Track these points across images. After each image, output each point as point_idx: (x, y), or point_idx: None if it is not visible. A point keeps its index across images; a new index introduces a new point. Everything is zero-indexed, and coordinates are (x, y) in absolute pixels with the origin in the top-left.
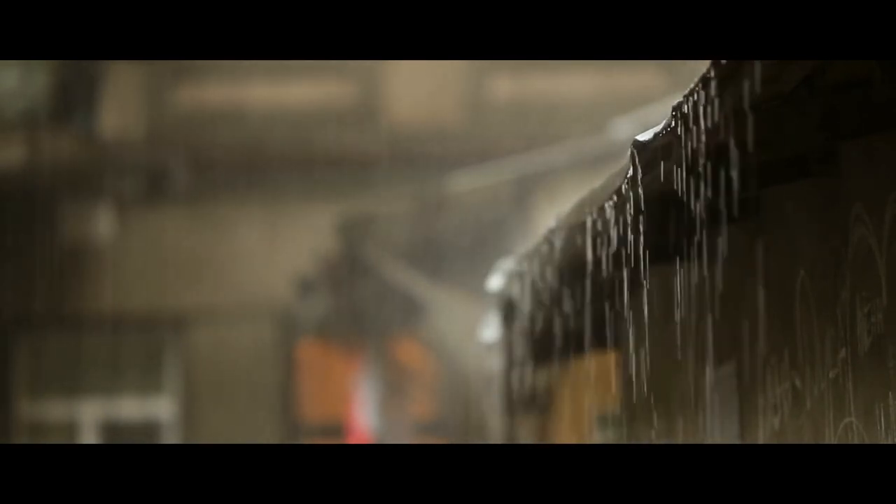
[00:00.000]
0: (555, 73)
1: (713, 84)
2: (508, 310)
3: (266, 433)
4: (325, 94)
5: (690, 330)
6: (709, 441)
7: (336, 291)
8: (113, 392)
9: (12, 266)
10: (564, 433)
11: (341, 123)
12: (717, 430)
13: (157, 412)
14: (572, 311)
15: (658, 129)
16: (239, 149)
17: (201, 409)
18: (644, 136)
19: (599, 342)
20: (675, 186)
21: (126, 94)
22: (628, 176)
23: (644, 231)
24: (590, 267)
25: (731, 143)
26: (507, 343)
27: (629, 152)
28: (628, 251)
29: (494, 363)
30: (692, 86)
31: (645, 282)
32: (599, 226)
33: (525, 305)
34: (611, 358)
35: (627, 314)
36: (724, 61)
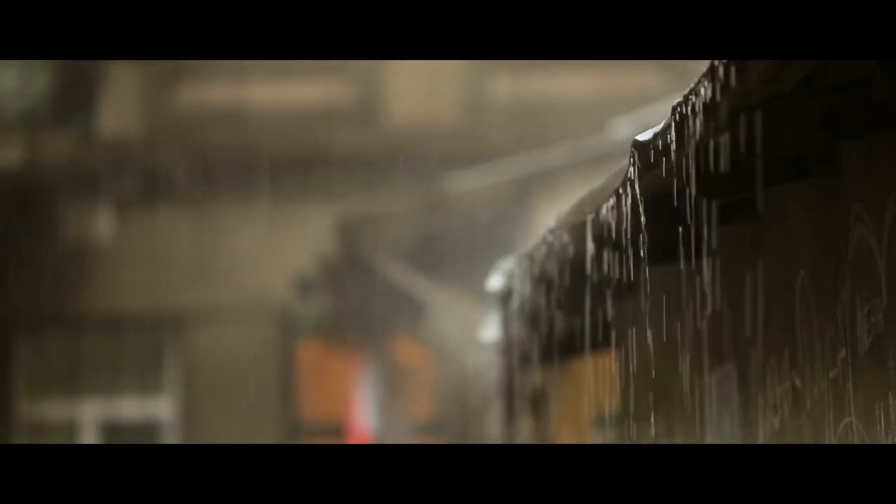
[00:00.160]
0: (555, 73)
1: (713, 84)
2: (508, 310)
3: (266, 433)
4: (325, 94)
5: (690, 330)
6: (709, 441)
7: (336, 291)
8: (113, 392)
9: (12, 266)
10: (564, 433)
11: (341, 123)
12: (717, 430)
13: (157, 412)
14: (572, 311)
15: (658, 129)
16: (239, 149)
17: (201, 409)
18: (644, 136)
19: (599, 342)
20: (675, 186)
21: (126, 94)
22: (628, 176)
23: (644, 231)
24: (589, 267)
25: (731, 143)
26: (507, 343)
27: (629, 152)
28: (628, 251)
29: (494, 363)
30: (692, 86)
31: (644, 282)
32: (599, 226)
33: (525, 305)
34: (610, 358)
35: (627, 314)
36: (724, 61)
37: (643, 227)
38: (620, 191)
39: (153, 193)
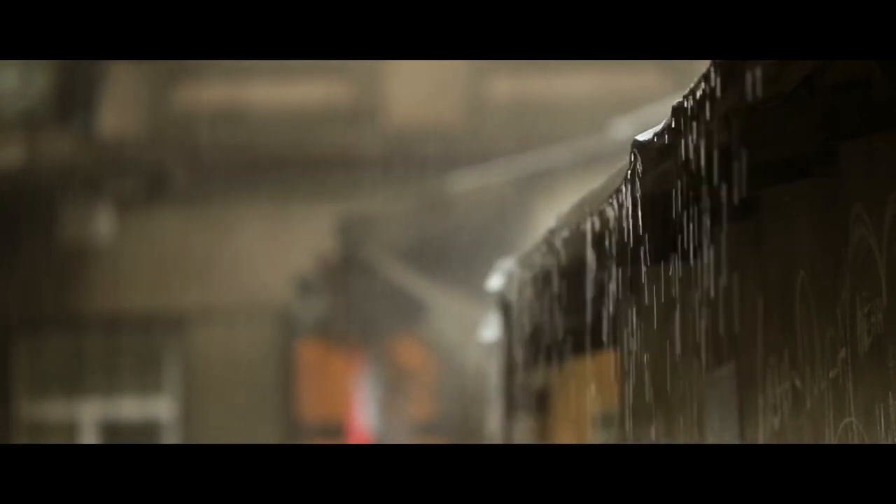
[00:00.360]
0: (555, 73)
1: (713, 84)
2: (508, 310)
3: (266, 433)
4: (325, 94)
5: (690, 330)
6: (709, 441)
7: (336, 291)
8: (113, 392)
9: (12, 266)
10: (564, 433)
11: (341, 123)
12: (717, 430)
13: (157, 412)
14: (572, 311)
15: (658, 129)
16: (239, 149)
17: (201, 409)
18: (644, 136)
19: (599, 342)
20: (675, 186)
21: (126, 94)
22: (628, 176)
23: (643, 231)
24: (589, 267)
25: (731, 143)
26: (507, 343)
27: (629, 152)
28: (628, 251)
29: (494, 363)
30: (692, 86)
31: (644, 282)
32: (599, 226)
33: (525, 305)
34: (610, 358)
35: (627, 314)
36: (724, 61)
37: (643, 226)
38: (620, 191)
39: (153, 193)
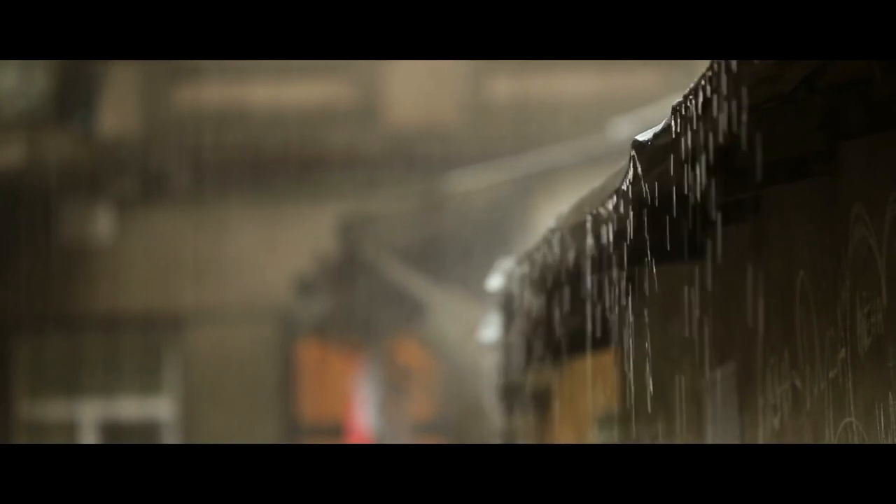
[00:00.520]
0: (555, 73)
1: (713, 84)
2: (508, 310)
3: (266, 433)
4: (325, 94)
5: (691, 330)
6: (709, 441)
7: (336, 291)
8: (113, 392)
9: (12, 266)
10: (564, 433)
11: (341, 123)
12: (717, 430)
13: (157, 412)
14: (572, 311)
15: (658, 129)
16: (239, 149)
17: (201, 409)
18: (644, 136)
19: (599, 342)
20: (675, 186)
21: (126, 94)
22: (628, 176)
23: (644, 231)
24: (589, 267)
25: (731, 143)
26: (507, 343)
27: (629, 152)
28: (628, 251)
29: (494, 363)
30: (692, 86)
31: (644, 281)
32: (599, 226)
33: (525, 305)
34: (611, 358)
35: (627, 314)
36: (723, 61)
37: (643, 226)
38: (620, 191)
39: (153, 193)
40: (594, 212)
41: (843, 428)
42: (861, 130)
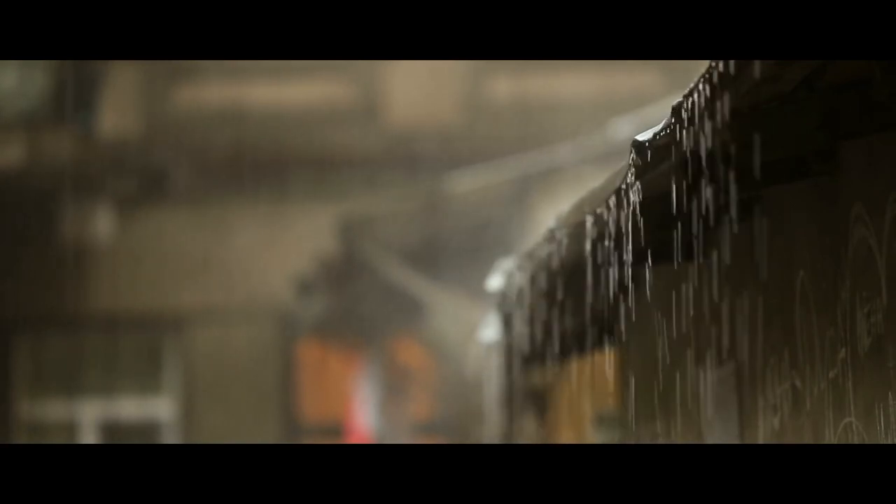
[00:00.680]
0: (555, 73)
1: (713, 84)
2: (508, 310)
3: (266, 433)
4: (325, 94)
5: (690, 330)
6: (709, 441)
7: (336, 291)
8: (113, 392)
9: (12, 266)
10: (564, 433)
11: (341, 123)
12: (717, 430)
13: (157, 412)
14: (572, 311)
15: (658, 129)
16: (239, 149)
17: (201, 409)
18: (644, 136)
19: (599, 342)
20: (675, 186)
21: (126, 94)
22: (628, 176)
23: (643, 231)
24: (589, 267)
25: (731, 143)
26: (507, 343)
27: (629, 152)
28: (628, 251)
29: (494, 363)
30: (692, 86)
31: (644, 282)
32: (599, 225)
33: (524, 305)
34: (610, 358)
35: (627, 314)
36: (723, 61)
37: (643, 226)
38: (620, 191)
39: (153, 193)
40: (594, 212)
41: (843, 428)
42: (861, 130)
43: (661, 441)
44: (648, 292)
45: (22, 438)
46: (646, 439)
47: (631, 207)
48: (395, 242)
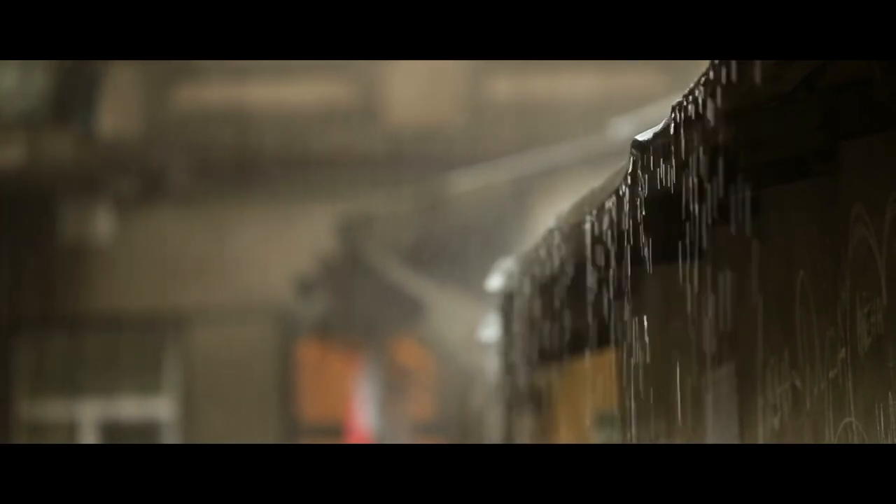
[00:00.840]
0: (555, 73)
1: (713, 84)
2: (508, 309)
3: (266, 433)
4: (325, 94)
5: (690, 330)
6: (709, 441)
7: (336, 291)
8: (113, 392)
9: (12, 266)
10: (564, 433)
11: (341, 123)
12: (717, 430)
13: (157, 412)
14: (571, 311)
15: (658, 129)
16: (239, 149)
17: (201, 409)
18: (644, 136)
19: (599, 342)
20: (675, 186)
21: (126, 94)
22: (628, 176)
23: (643, 231)
24: (589, 267)
25: (731, 142)
26: (507, 343)
27: (629, 152)
28: (627, 251)
29: (494, 363)
30: (692, 86)
31: (644, 282)
32: (599, 226)
33: (524, 305)
34: (610, 358)
35: (627, 314)
36: (724, 61)
37: (643, 226)
38: (620, 191)
39: (153, 193)
40: (594, 212)
41: (843, 428)
42: (861, 130)
43: (661, 441)
44: (648, 292)
45: (22, 438)
46: (646, 439)
47: (631, 207)
48: (395, 242)
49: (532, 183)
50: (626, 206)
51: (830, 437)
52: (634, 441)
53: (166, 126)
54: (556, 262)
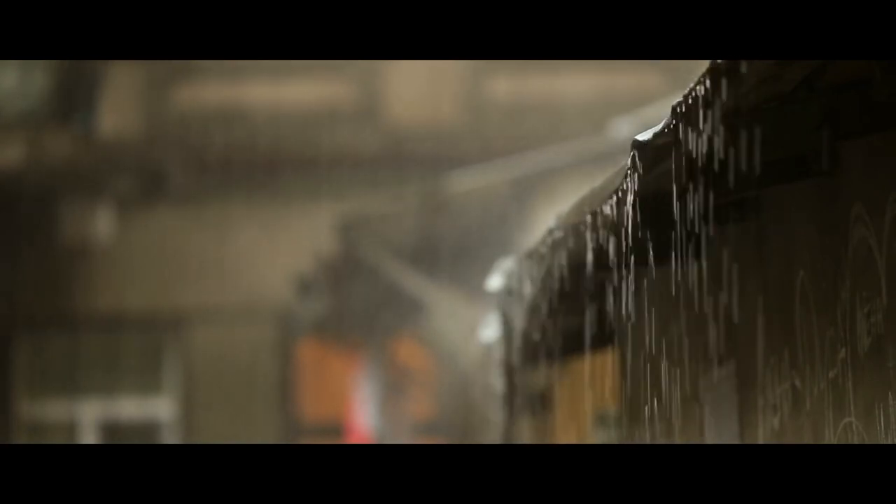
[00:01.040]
0: (555, 73)
1: (713, 84)
2: (508, 309)
3: (265, 433)
4: (325, 94)
5: (690, 330)
6: (709, 441)
7: (336, 291)
8: (113, 392)
9: (12, 266)
10: (564, 433)
11: (341, 123)
12: (717, 430)
13: (157, 412)
14: (572, 311)
15: (658, 129)
16: (239, 149)
17: (201, 409)
18: (644, 136)
19: (599, 342)
20: (675, 186)
21: (126, 94)
22: (628, 176)
23: (643, 231)
24: (589, 266)
25: (731, 142)
26: (507, 343)
27: (629, 152)
28: (627, 251)
29: (494, 363)
30: (692, 86)
31: (644, 281)
32: (599, 225)
33: (524, 305)
34: (610, 358)
35: (627, 314)
36: (724, 61)
37: (643, 226)
38: (620, 190)
39: (153, 193)
40: (594, 212)
41: (843, 428)
42: (861, 130)
43: (661, 441)
44: (648, 292)
45: (22, 438)
46: (646, 439)
47: (631, 207)
48: (395, 242)
49: (532, 183)
50: (626, 207)
51: (830, 437)
52: (634, 441)
53: (166, 126)
54: (556, 262)
